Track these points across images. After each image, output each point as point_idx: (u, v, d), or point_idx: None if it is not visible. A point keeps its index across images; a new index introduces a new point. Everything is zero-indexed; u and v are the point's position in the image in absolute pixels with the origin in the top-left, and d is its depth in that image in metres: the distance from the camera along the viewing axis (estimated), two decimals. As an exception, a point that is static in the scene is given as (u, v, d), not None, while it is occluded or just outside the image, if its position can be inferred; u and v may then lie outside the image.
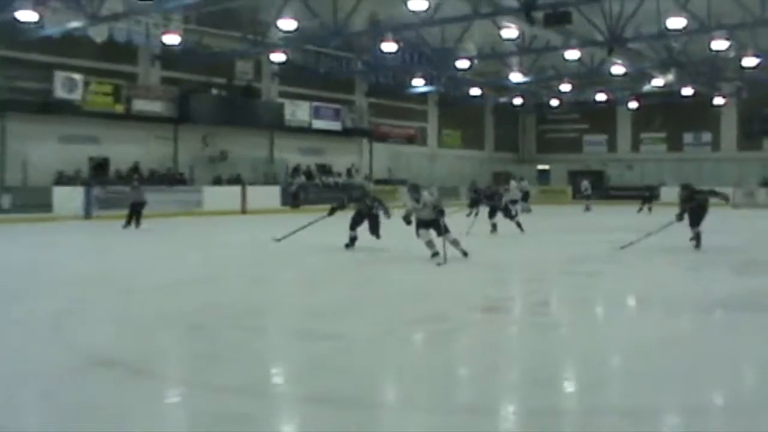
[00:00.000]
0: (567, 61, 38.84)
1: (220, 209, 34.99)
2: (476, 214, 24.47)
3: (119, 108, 35.21)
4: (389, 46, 35.42)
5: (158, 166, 37.03)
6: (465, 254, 16.73)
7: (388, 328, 10.00)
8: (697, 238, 19.46)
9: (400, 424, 6.38)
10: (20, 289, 13.08)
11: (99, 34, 32.29)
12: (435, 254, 16.57)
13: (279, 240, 18.92)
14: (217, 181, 38.71)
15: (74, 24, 30.05)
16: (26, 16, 28.44)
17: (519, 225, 24.19)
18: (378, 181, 45.42)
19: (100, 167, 34.71)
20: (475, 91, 50.00)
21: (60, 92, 33.07)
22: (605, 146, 58.91)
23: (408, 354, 8.97)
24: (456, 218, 21.65)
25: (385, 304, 12.02)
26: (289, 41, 35.78)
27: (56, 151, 33.44)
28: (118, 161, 35.54)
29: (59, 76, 33.09)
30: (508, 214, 24.45)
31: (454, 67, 40.79)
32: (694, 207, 19.44)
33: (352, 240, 19.25)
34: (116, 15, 29.95)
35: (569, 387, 7.68)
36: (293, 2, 30.85)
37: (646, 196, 38.97)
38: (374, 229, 19.26)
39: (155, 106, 36.72)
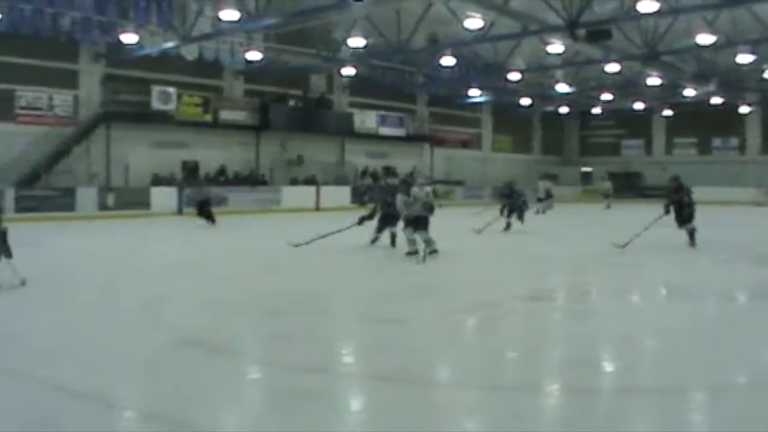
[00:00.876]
0: (607, 73, 38.61)
1: (296, 207, 35.10)
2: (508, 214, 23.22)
3: (207, 117, 35.51)
4: (447, 61, 35.69)
5: (241, 169, 37.34)
6: (434, 251, 15.70)
7: (443, 313, 9.98)
8: (690, 235, 18.03)
9: (454, 399, 6.41)
10: (121, 276, 13.36)
11: (190, 52, 33.04)
12: (412, 253, 15.69)
13: (297, 245, 16.47)
14: (294, 182, 38.84)
15: (169, 44, 30.91)
16: (128, 38, 29.80)
17: (509, 225, 22.98)
18: (436, 182, 45.28)
19: (191, 170, 34.90)
20: (524, 101, 49.56)
21: (156, 104, 33.47)
22: (642, 150, 58.08)
23: (460, 337, 9.01)
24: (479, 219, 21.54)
25: (440, 292, 12.00)
26: (358, 57, 36.02)
27: (152, 155, 33.89)
28: (206, 164, 35.81)
29: (156, 89, 33.54)
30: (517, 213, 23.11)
31: (506, 79, 40.68)
32: (677, 205, 18.08)
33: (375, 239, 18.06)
34: (205, 35, 30.49)
35: (607, 367, 7.71)
36: (362, 22, 31.30)
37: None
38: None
39: (239, 116, 36.97)
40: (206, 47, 33.28)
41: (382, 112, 44.74)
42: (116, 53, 31.86)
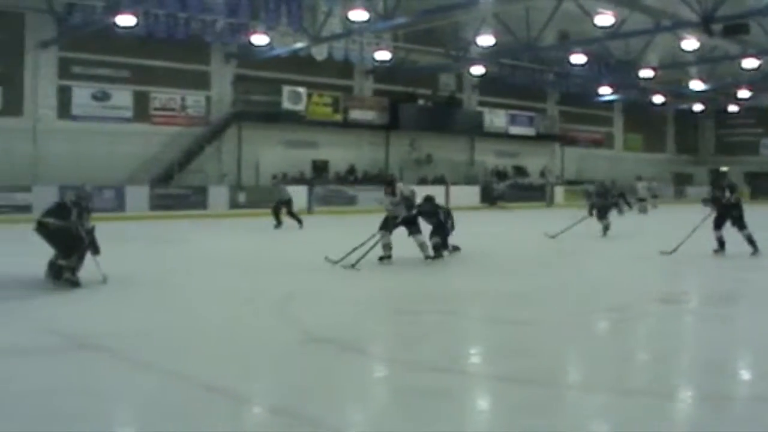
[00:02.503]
0: (744, 69, 36.78)
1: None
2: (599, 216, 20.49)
3: (337, 117, 35.49)
4: (578, 59, 34.82)
5: (370, 168, 37.18)
6: (428, 257, 14.37)
7: (573, 315, 9.70)
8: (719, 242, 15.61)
9: (582, 402, 6.18)
10: (251, 273, 13.39)
11: (320, 53, 33.09)
12: (386, 257, 14.19)
13: (336, 263, 13.80)
14: (423, 181, 38.07)
15: (299, 45, 31.19)
16: (259, 40, 30.13)
17: (606, 228, 20.15)
18: (569, 182, 44.22)
19: (320, 169, 34.94)
20: (657, 99, 48.04)
21: (287, 104, 33.58)
22: (781, 149, 55.32)
23: (589, 339, 8.68)
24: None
25: (568, 293, 11.54)
26: (487, 56, 35.32)
27: (283, 155, 34.08)
28: (336, 163, 35.90)
29: (286, 90, 33.64)
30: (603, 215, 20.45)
31: (637, 76, 39.26)
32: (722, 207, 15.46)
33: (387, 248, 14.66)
34: (335, 36, 30.64)
35: (743, 375, 7.29)
36: (491, 20, 30.66)
37: None
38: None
39: (368, 115, 36.84)
40: (336, 47, 33.30)
41: (512, 111, 43.80)
42: (247, 54, 32.27)
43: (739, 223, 15.44)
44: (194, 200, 29.48)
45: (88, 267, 11.00)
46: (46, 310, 9.55)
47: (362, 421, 5.79)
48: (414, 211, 14.59)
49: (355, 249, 13.77)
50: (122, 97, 30.26)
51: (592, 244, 18.89)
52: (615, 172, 47.19)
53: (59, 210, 11.06)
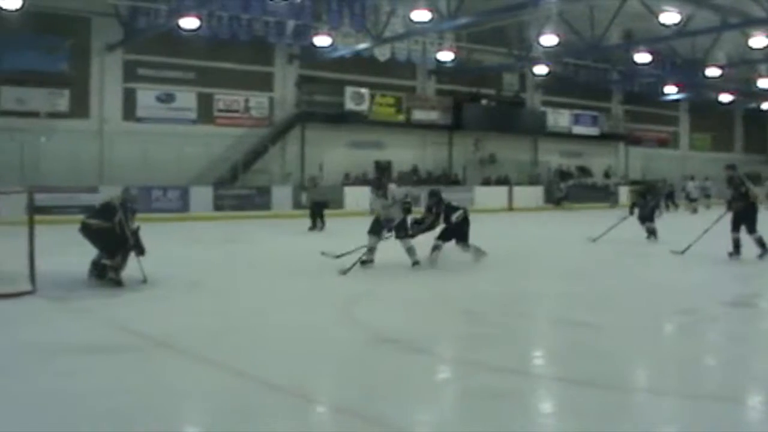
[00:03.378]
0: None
1: (489, 207, 33.94)
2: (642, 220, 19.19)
3: (400, 117, 35.31)
4: (643, 57, 34.18)
5: (434, 168, 36.97)
6: (415, 263, 13.50)
7: (638, 317, 9.56)
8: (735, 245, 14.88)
9: (649, 406, 6.09)
10: (314, 273, 13.12)
11: (382, 53, 33.20)
12: (368, 261, 13.50)
13: (337, 257, 13.64)
14: (486, 182, 38.09)
15: (361, 46, 31.24)
16: (322, 41, 30.45)
17: (652, 232, 18.88)
18: (633, 182, 43.43)
19: (383, 169, 34.72)
20: (724, 97, 46.81)
21: (350, 104, 33.53)
22: None
23: (658, 342, 8.55)
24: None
25: (636, 296, 11.31)
26: (550, 55, 34.83)
27: (346, 155, 34.09)
28: (399, 164, 35.70)
29: (349, 90, 33.56)
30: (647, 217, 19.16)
31: (704, 75, 38.23)
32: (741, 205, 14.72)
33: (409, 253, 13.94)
34: (397, 36, 30.60)
35: None
36: (554, 20, 30.19)
37: None
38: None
39: (431, 115, 36.52)
40: (398, 48, 33.37)
41: (576, 111, 43.08)
42: (310, 55, 32.35)
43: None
44: (258, 201, 29.54)
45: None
46: (122, 310, 9.65)
47: (427, 421, 5.78)
48: (409, 213, 13.86)
49: (352, 250, 13.52)
50: (186, 98, 30.50)
51: (648, 245, 18.40)
52: (681, 171, 46.42)
53: (104, 211, 11.21)
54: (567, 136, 42.50)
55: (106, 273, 10.99)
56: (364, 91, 33.88)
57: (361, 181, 32.70)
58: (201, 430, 5.77)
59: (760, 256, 14.63)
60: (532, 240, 16.79)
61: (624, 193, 41.27)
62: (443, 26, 29.27)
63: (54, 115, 27.59)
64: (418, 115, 36.05)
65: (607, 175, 44.49)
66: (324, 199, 23.70)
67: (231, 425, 5.44)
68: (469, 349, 7.98)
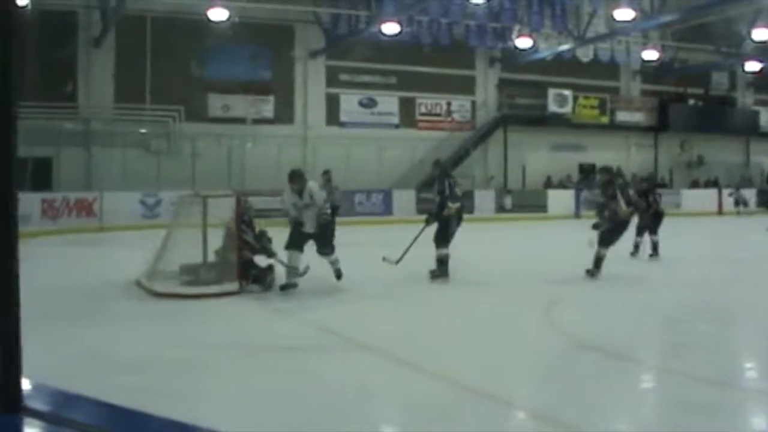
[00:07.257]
0: None
1: (697, 210, 32.04)
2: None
3: (604, 119, 34.27)
4: None
5: (639, 170, 34.93)
6: (339, 278, 10.91)
7: None
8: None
9: None
10: (513, 278, 12.71)
11: (584, 54, 32.24)
12: (291, 285, 10.54)
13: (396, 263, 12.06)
14: (694, 185, 36.20)
15: (563, 47, 30.37)
16: (523, 43, 29.77)
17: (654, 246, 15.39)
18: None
19: (587, 172, 33.47)
20: None
21: (552, 107, 32.88)
22: None
23: None
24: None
25: None
26: (763, 50, 32.27)
27: (549, 158, 33.36)
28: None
29: (552, 92, 32.88)
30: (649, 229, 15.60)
31: None
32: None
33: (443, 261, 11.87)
34: (600, 36, 29.60)
35: None
36: (767, 13, 27.76)
37: None
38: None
39: (635, 117, 35.25)
40: (601, 48, 32.19)
41: (790, 109, 40.03)
42: (511, 58, 31.95)
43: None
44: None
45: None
46: (319, 311, 9.77)
47: (624, 431, 5.49)
48: (332, 222, 11.15)
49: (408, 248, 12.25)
50: (388, 103, 30.69)
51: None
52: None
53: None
54: (781, 136, 39.61)
55: (265, 277, 10.84)
56: (567, 92, 33.05)
57: (563, 184, 31.96)
58: (398, 429, 5.70)
59: None
60: (747, 248, 15.37)
61: None
62: (647, 25, 28.13)
63: (259, 121, 28.29)
64: (622, 116, 34.89)
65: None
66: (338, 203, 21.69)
67: (428, 427, 5.30)
68: (673, 358, 7.43)
